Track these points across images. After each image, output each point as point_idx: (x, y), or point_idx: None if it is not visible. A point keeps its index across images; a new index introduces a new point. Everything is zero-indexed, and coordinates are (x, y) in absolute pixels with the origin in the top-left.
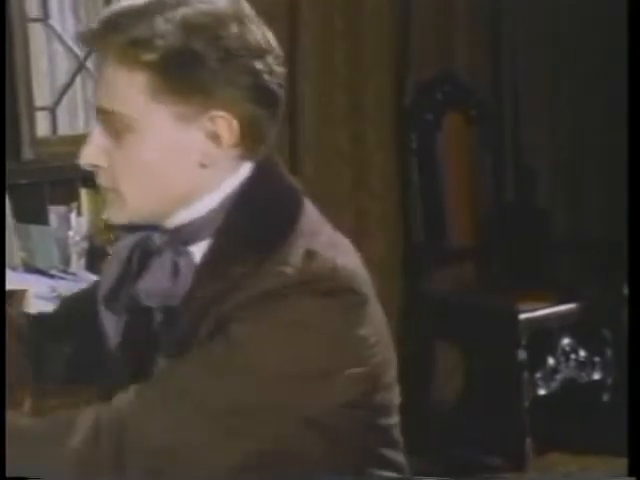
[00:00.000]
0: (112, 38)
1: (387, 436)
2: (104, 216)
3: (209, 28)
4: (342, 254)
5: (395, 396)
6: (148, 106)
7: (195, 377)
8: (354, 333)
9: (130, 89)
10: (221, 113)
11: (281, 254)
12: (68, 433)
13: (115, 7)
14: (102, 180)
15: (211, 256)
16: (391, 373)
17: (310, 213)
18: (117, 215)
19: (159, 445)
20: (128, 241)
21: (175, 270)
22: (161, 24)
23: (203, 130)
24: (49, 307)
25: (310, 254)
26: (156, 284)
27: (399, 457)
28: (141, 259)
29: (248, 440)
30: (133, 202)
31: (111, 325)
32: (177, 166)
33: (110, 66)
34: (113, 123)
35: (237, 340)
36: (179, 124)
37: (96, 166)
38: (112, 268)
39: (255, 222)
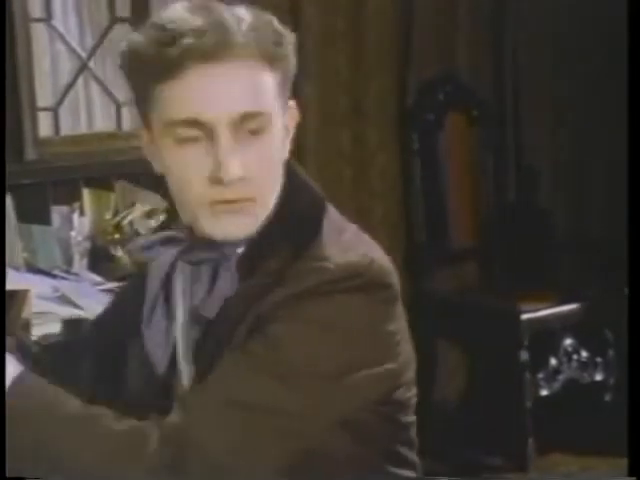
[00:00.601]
0: (242, 40)
1: (405, 434)
2: (222, 235)
3: (273, 22)
4: (372, 249)
5: (414, 395)
6: (276, 102)
7: (239, 378)
8: (386, 329)
9: (269, 87)
10: (292, 102)
11: (316, 250)
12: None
13: (200, 16)
14: (238, 192)
15: (247, 254)
16: (412, 371)
17: (333, 212)
18: (248, 226)
19: (218, 454)
20: (166, 257)
21: (233, 278)
22: (261, 20)
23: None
24: (52, 307)
25: (345, 249)
26: (222, 295)
27: (414, 457)
28: (189, 272)
29: (290, 439)
30: (265, 207)
31: (158, 344)
32: (281, 163)
33: (232, 69)
34: (251, 125)
35: (275, 339)
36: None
37: (242, 179)
38: (154, 287)
39: (286, 219)
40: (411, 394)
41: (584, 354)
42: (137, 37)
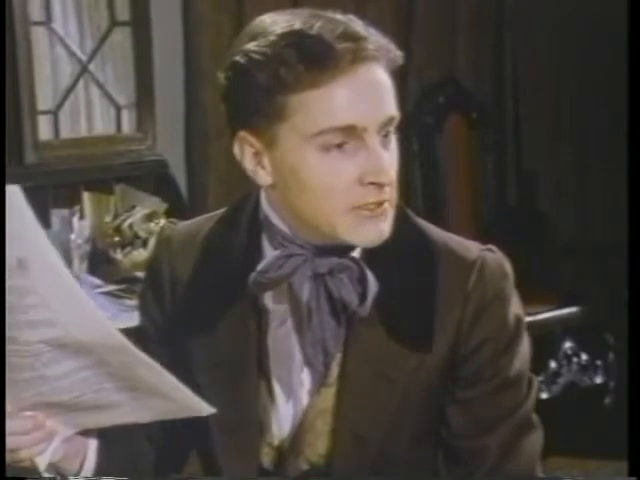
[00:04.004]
0: (373, 43)
1: None
2: (362, 240)
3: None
4: None
5: None
6: None
7: None
8: None
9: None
10: None
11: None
12: None
13: (329, 22)
14: (384, 194)
15: (378, 254)
16: None
17: None
18: (385, 232)
19: None
20: (300, 275)
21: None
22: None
23: None
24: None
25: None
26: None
27: None
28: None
29: None
30: (393, 209)
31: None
32: None
33: (375, 74)
34: (388, 128)
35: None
36: None
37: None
38: (304, 294)
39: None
40: None
41: (584, 357)
42: (254, 48)
